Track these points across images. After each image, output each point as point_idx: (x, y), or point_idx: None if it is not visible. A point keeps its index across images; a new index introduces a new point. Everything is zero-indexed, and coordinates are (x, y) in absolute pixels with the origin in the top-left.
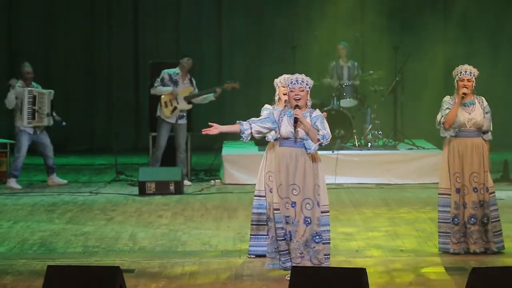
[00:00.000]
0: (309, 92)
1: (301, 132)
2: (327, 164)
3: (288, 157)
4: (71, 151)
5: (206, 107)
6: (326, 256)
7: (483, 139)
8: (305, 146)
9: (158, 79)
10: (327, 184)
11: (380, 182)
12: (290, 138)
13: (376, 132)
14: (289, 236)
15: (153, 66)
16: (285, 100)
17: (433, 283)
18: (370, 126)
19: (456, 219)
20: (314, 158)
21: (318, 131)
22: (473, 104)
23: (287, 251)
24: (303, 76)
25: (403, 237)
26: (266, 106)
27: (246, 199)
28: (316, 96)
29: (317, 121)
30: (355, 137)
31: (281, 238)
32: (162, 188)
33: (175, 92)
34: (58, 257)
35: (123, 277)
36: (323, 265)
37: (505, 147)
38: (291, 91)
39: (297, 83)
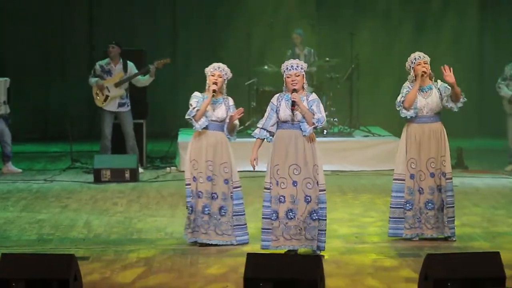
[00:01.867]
0: (304, 76)
1: (298, 115)
2: None
3: (287, 138)
4: (26, 139)
5: (161, 93)
6: (321, 232)
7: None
8: (301, 129)
9: (92, 71)
10: None
11: (336, 169)
12: (288, 121)
13: (332, 119)
14: (292, 214)
15: (106, 54)
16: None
17: (387, 269)
18: (326, 113)
19: (408, 205)
20: (311, 140)
21: (313, 114)
22: (431, 89)
23: (270, 230)
24: (297, 61)
25: (357, 223)
26: (196, 93)
27: None
28: (272, 84)
29: (313, 104)
30: None
31: (266, 217)
32: (117, 176)
33: (99, 83)
34: (12, 245)
35: (78, 264)
36: (318, 239)
37: (460, 135)
38: (288, 77)
39: (293, 68)
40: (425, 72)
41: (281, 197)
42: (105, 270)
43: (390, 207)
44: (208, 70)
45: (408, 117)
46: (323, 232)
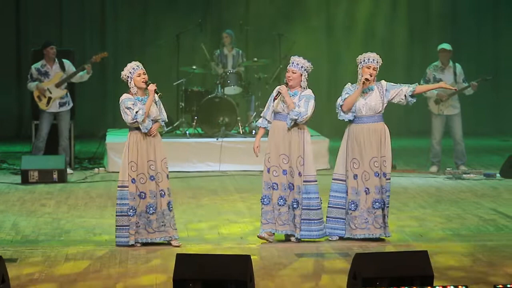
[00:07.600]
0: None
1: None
2: (211, 151)
3: (282, 129)
4: None
5: (90, 95)
6: (305, 220)
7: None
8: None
9: (29, 76)
10: (211, 171)
11: None
12: (280, 112)
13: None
14: (282, 201)
15: (35, 54)
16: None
17: (316, 268)
18: (254, 113)
19: (353, 205)
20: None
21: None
22: (372, 90)
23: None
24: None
25: None
26: (127, 96)
27: None
28: (200, 84)
29: (302, 99)
30: (239, 124)
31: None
32: (45, 177)
33: (40, 87)
34: None
35: (5, 266)
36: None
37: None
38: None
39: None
40: (367, 80)
41: (274, 184)
42: (33, 272)
43: (328, 206)
44: (131, 69)
45: (346, 120)
46: (306, 220)
